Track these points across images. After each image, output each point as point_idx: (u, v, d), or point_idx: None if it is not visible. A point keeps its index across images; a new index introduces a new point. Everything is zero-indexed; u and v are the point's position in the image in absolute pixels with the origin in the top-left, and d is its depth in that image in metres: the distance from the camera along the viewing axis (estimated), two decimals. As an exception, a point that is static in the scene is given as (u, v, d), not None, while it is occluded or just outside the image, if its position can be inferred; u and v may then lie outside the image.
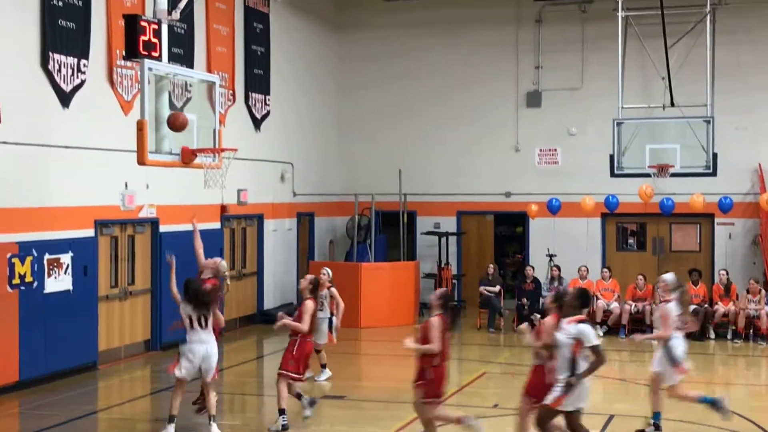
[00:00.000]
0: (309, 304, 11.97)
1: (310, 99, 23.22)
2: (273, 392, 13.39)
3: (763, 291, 18.95)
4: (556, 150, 23.40)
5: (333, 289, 14.84)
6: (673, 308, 11.40)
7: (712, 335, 19.00)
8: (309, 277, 12.52)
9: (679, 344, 11.43)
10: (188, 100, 14.49)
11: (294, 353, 11.83)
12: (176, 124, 11.56)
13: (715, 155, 19.09)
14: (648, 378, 12.04)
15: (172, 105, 12.07)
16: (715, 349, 18.34)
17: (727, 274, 19.67)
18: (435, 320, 10.14)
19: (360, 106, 24.57)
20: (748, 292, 18.99)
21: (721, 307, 19.11)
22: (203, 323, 11.24)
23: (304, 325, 11.83)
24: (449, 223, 23.95)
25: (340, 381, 14.75)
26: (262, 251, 20.87)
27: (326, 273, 15.01)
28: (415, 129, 24.14)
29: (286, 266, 21.80)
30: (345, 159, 24.56)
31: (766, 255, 21.06)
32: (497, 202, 23.77)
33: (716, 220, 21.99)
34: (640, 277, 19.95)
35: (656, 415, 11.59)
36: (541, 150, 23.49)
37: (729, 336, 18.86)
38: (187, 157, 11.77)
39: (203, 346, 11.21)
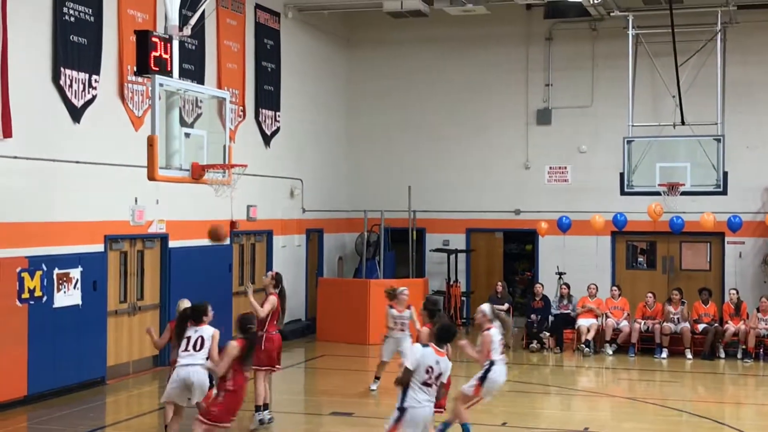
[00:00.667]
0: (272, 298, 12.64)
1: (320, 115, 23.26)
2: (277, 407, 13.41)
3: (774, 310, 18.88)
4: (566, 168, 23.35)
5: (413, 309, 14.66)
6: (494, 334, 11.53)
7: (722, 354, 18.89)
8: (271, 273, 13.18)
9: (500, 370, 11.53)
10: (199, 115, 14.50)
11: (263, 347, 12.06)
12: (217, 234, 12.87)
13: (725, 174, 19.03)
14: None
15: (182, 121, 12.10)
16: (725, 368, 18.23)
17: (737, 293, 19.57)
18: (232, 343, 9.64)
19: (370, 122, 24.59)
20: (758, 311, 18.90)
21: (731, 326, 19.02)
22: (197, 345, 10.63)
23: (261, 312, 12.36)
24: (458, 241, 23.90)
25: (348, 398, 14.71)
26: (271, 267, 20.81)
27: (404, 292, 14.81)
28: (425, 146, 24.13)
29: (295, 282, 21.75)
30: (354, 175, 24.57)
31: (777, 274, 21.03)
32: (507, 220, 23.71)
33: (726, 239, 21.89)
34: (650, 295, 19.86)
35: (465, 426, 11.54)
36: (551, 168, 23.44)
37: (739, 355, 18.74)
38: (197, 173, 11.80)
39: (185, 369, 10.56)
